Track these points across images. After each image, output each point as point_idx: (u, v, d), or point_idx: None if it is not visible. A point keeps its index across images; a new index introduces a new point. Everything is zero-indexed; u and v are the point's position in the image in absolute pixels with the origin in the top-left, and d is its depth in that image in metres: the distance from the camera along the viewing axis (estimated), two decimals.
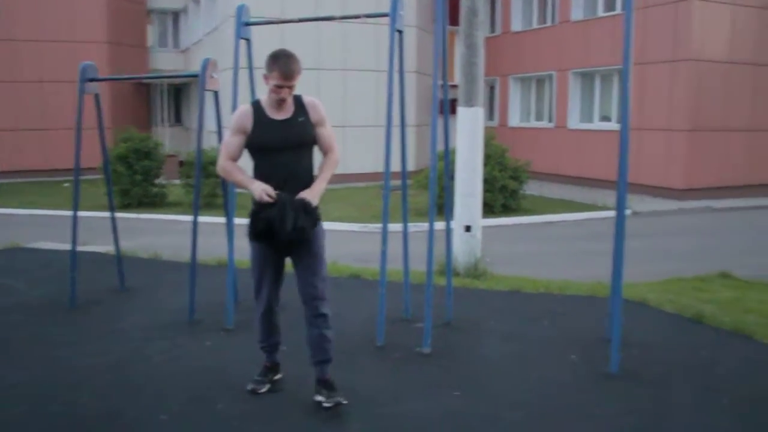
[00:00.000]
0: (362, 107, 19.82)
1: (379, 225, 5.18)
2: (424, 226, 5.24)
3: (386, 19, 5.08)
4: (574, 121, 19.80)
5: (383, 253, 5.18)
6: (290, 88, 3.86)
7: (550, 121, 20.81)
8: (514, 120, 22.42)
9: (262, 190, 3.85)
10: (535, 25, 21.50)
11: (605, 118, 18.89)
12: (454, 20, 9.88)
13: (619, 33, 4.59)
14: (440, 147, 6.35)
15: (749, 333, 5.59)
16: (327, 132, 4.09)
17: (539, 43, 20.92)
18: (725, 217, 14.62)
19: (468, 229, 7.78)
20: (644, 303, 6.53)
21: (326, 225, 4.29)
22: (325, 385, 4.09)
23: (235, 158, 4.02)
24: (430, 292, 5.15)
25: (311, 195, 3.92)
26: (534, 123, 21.72)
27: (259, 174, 3.98)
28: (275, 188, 3.88)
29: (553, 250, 10.70)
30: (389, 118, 5.05)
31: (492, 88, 23.30)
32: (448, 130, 5.62)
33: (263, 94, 4.07)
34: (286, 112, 3.98)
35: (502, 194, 14.10)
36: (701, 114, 16.21)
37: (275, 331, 4.33)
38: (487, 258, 8.29)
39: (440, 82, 5.32)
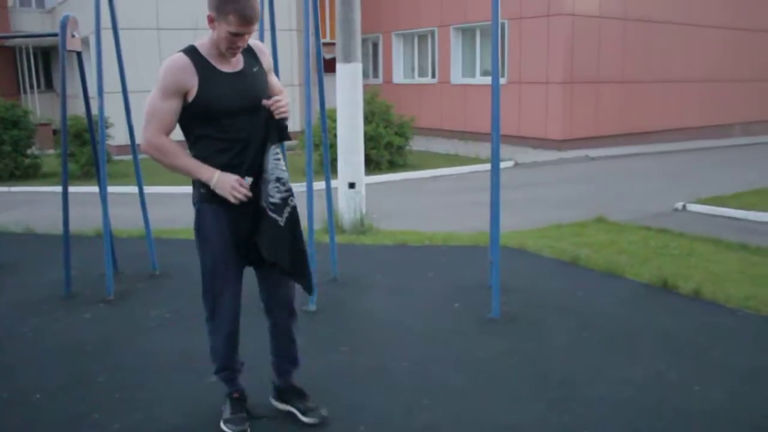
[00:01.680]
0: None
1: None
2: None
3: None
4: (456, 77, 20.07)
5: None
6: (249, 35, 2.99)
7: (433, 76, 21.00)
8: (398, 76, 22.49)
9: (232, 188, 2.96)
10: None
11: (486, 73, 19.23)
12: None
13: None
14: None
15: (621, 273, 5.92)
16: (276, 79, 3.36)
17: None
18: (601, 165, 15.28)
19: (352, 185, 7.79)
20: (524, 249, 6.78)
21: None
22: (297, 394, 3.54)
23: (169, 130, 3.00)
24: (312, 249, 5.14)
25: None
26: (418, 79, 21.86)
27: (205, 149, 3.05)
28: (230, 169, 3.02)
29: (439, 203, 10.89)
30: None
31: (375, 45, 23.25)
32: (323, 86, 5.57)
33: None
34: (236, 63, 3.07)
35: (388, 151, 14.16)
36: (576, 67, 16.78)
37: (237, 349, 3.52)
38: (374, 214, 8.35)
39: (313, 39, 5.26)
